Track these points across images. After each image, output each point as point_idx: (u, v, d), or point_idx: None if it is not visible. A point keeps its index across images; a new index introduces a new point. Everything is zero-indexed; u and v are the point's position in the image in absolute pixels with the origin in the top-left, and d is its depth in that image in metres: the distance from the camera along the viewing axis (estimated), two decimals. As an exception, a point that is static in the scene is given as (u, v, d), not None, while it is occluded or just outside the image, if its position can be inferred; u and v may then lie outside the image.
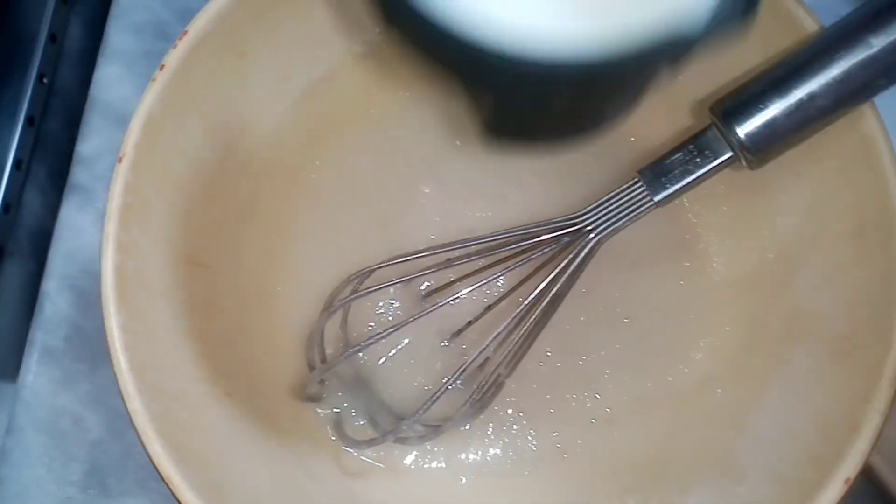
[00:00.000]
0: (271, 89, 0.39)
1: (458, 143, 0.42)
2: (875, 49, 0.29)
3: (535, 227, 0.35)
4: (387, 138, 0.42)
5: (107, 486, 0.41)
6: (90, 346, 0.42)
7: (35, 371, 0.42)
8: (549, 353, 0.38)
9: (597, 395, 0.38)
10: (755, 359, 0.36)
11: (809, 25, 0.32)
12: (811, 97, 0.30)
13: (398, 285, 0.39)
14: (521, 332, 0.35)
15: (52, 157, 0.47)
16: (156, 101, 0.33)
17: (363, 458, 0.37)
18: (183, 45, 0.33)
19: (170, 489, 0.28)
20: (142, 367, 0.30)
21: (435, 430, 0.37)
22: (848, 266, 0.33)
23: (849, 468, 0.28)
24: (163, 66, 0.33)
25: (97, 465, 0.41)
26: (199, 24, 0.34)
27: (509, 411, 0.38)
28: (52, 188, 0.47)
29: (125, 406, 0.29)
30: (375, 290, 0.35)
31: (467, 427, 0.38)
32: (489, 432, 0.38)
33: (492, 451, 0.38)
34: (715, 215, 0.40)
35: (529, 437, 0.38)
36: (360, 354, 0.33)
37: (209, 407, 0.33)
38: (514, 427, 0.38)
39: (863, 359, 0.31)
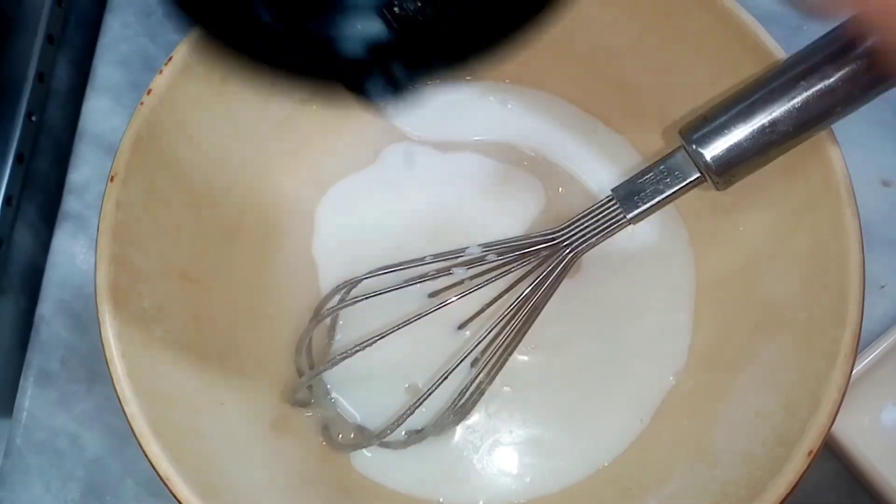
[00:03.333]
0: (255, 112, 0.40)
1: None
2: (832, 80, 0.31)
3: (516, 241, 0.36)
4: (370, 155, 0.44)
5: (105, 503, 0.42)
6: (85, 367, 0.44)
7: (31, 394, 0.43)
8: (530, 353, 0.40)
9: (577, 391, 0.40)
10: (727, 353, 0.38)
11: (777, 54, 0.34)
12: (773, 123, 0.32)
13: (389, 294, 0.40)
14: (502, 341, 0.36)
15: (41, 194, 0.49)
16: (144, 123, 0.35)
17: (352, 460, 0.39)
18: (168, 72, 0.35)
19: (168, 488, 0.30)
20: (138, 373, 0.32)
21: (418, 435, 0.38)
22: (806, 258, 0.35)
23: (811, 441, 0.30)
24: (150, 90, 0.35)
25: (95, 483, 0.42)
26: (182, 52, 0.36)
27: (491, 410, 0.40)
28: (42, 224, 0.49)
29: (123, 410, 0.31)
30: (361, 299, 0.36)
31: (451, 432, 0.39)
32: (467, 434, 0.39)
33: (472, 452, 0.39)
34: (689, 227, 0.42)
35: (510, 436, 0.39)
36: (347, 361, 0.35)
37: (203, 413, 0.35)
38: (497, 428, 0.39)
39: (822, 341, 0.32)
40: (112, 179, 0.34)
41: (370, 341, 0.35)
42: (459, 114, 0.44)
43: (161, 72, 0.35)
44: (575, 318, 0.41)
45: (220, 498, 0.31)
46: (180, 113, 0.36)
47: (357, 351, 0.35)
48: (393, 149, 0.44)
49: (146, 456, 0.30)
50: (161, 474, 0.30)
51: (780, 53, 0.34)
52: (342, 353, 0.35)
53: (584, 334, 0.41)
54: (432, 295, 0.41)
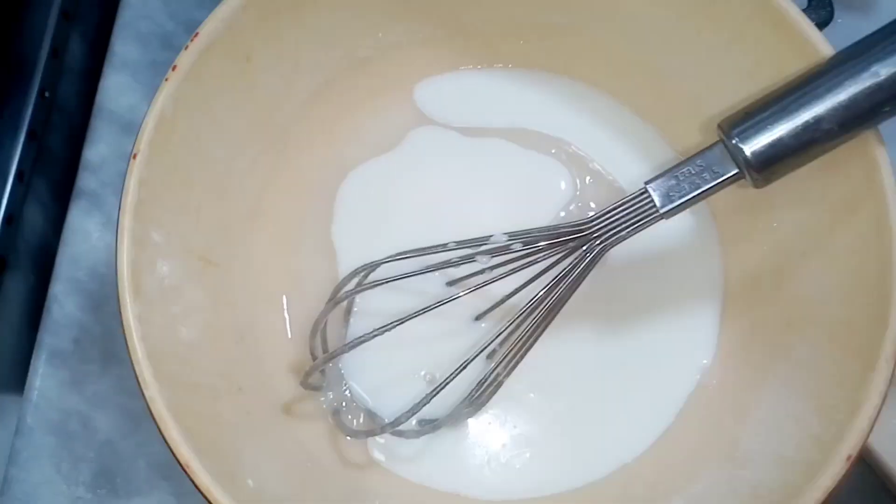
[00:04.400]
0: (277, 92, 0.39)
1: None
2: (881, 78, 0.30)
3: (543, 231, 0.35)
4: (393, 139, 0.43)
5: (116, 485, 0.41)
6: (98, 348, 0.43)
7: (43, 373, 0.42)
8: (551, 347, 0.39)
9: (600, 388, 0.39)
10: (757, 349, 0.37)
11: (823, 50, 0.33)
12: (817, 120, 0.30)
13: (407, 281, 0.39)
14: (523, 334, 0.35)
15: (53, 171, 0.48)
16: (168, 100, 0.34)
17: (367, 447, 0.38)
18: (193, 48, 0.34)
19: (188, 474, 0.29)
20: (158, 357, 0.31)
21: (432, 425, 0.37)
22: (843, 257, 0.34)
23: (850, 445, 0.29)
24: (175, 66, 0.34)
25: (106, 465, 0.41)
26: (207, 29, 0.35)
27: (509, 404, 0.39)
28: (52, 201, 0.48)
29: (142, 393, 0.30)
30: (378, 284, 0.35)
31: (466, 424, 0.39)
32: (486, 426, 0.39)
33: (492, 445, 0.38)
34: (719, 223, 0.41)
35: (528, 430, 0.39)
36: (362, 347, 0.34)
37: (221, 398, 0.34)
38: (516, 423, 0.39)
39: (860, 342, 0.31)
40: (134, 157, 0.33)
41: (386, 328, 0.33)
42: (487, 99, 0.43)
43: (186, 48, 0.34)
44: (599, 313, 0.40)
45: (239, 484, 0.30)
46: (204, 91, 0.35)
47: (372, 337, 0.33)
48: (418, 133, 0.43)
49: (166, 441, 0.29)
50: (181, 460, 0.29)
51: (826, 48, 0.33)
52: (357, 339, 0.34)
53: (607, 330, 0.40)
54: (451, 283, 0.40)
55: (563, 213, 0.41)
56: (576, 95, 0.43)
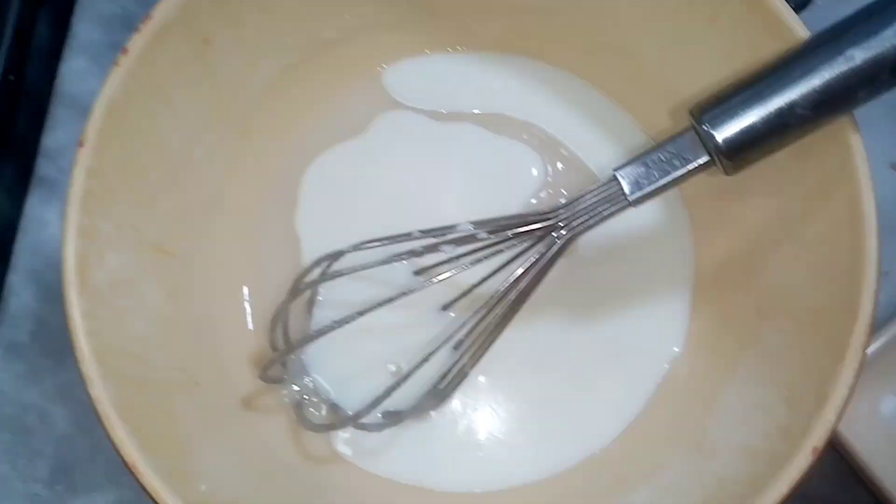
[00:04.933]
0: (238, 77, 0.38)
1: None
2: (856, 62, 0.29)
3: (509, 219, 0.34)
4: (360, 124, 0.42)
5: (75, 481, 0.40)
6: (56, 341, 0.42)
7: None
8: (518, 336, 0.38)
9: (567, 376, 0.38)
10: (727, 337, 0.37)
11: (799, 33, 0.32)
12: (790, 106, 0.29)
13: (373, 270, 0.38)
14: (489, 324, 0.34)
15: (18, 155, 0.46)
16: (119, 87, 0.33)
17: (331, 441, 0.37)
18: (146, 31, 0.33)
19: (134, 475, 0.28)
20: (105, 353, 0.30)
21: (396, 417, 0.36)
22: (815, 245, 0.33)
23: (817, 437, 0.28)
24: (126, 50, 0.33)
25: (64, 460, 0.40)
26: (162, 10, 0.33)
27: (475, 394, 0.38)
28: (18, 186, 0.46)
29: (88, 392, 0.29)
30: (342, 274, 0.34)
31: (430, 415, 0.38)
32: (451, 417, 0.38)
33: (458, 437, 0.38)
34: (691, 209, 0.40)
35: (495, 421, 0.38)
36: (326, 339, 0.33)
37: (176, 393, 0.33)
38: (482, 413, 0.38)
39: (830, 332, 0.31)
40: (82, 145, 0.31)
41: (348, 318, 0.32)
42: (457, 83, 0.42)
43: (138, 30, 0.33)
44: (566, 301, 0.39)
45: (190, 484, 0.30)
46: (158, 75, 0.34)
47: (332, 329, 0.33)
48: (385, 118, 0.42)
49: (111, 441, 0.28)
50: (127, 461, 0.28)
51: (802, 31, 0.32)
52: (317, 330, 0.33)
53: (575, 317, 0.39)
54: (418, 273, 0.39)
55: (534, 201, 0.40)
56: (549, 79, 0.42)
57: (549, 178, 0.41)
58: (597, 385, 0.38)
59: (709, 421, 0.34)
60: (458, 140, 0.42)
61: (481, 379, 0.38)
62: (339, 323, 0.32)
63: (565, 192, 0.40)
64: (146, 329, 0.33)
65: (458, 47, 0.43)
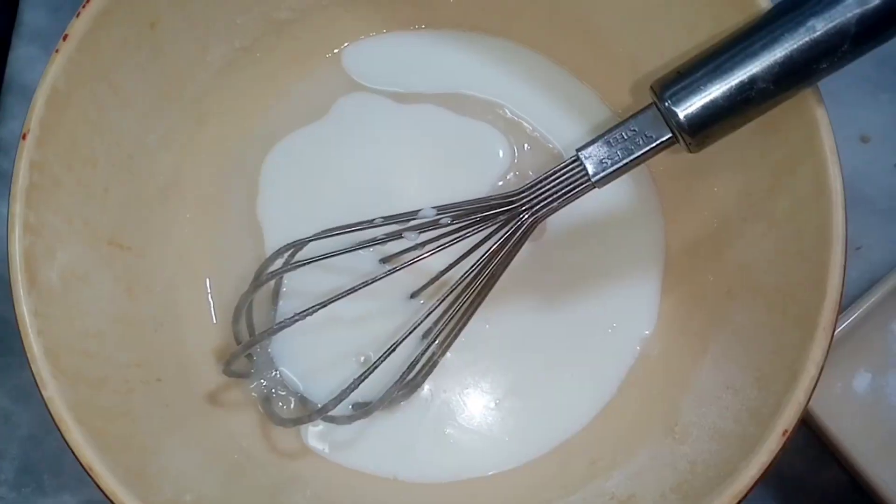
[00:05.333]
0: (188, 60, 0.37)
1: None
2: (818, 33, 0.28)
3: (472, 205, 0.33)
4: (320, 107, 0.41)
5: (42, 483, 0.39)
6: (17, 339, 0.40)
7: (-42, 367, 0.40)
8: (487, 326, 0.38)
9: (538, 361, 0.38)
10: (698, 318, 0.36)
11: (761, 4, 0.31)
12: (752, 80, 0.29)
13: (337, 259, 0.37)
14: (456, 311, 0.34)
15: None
16: (60, 74, 0.31)
17: (300, 435, 0.36)
18: (86, 15, 0.32)
19: (91, 477, 0.27)
20: (59, 352, 0.29)
21: (365, 409, 0.36)
22: (783, 221, 0.32)
23: (787, 420, 0.28)
24: (66, 35, 0.31)
25: (30, 462, 0.39)
26: (103, -9, 0.32)
27: (445, 383, 0.38)
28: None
29: (40, 394, 0.28)
30: (305, 263, 0.33)
31: (401, 405, 0.37)
32: (423, 407, 0.37)
33: (428, 426, 0.37)
34: (660, 188, 0.39)
35: (466, 409, 0.37)
36: (292, 330, 0.32)
37: (135, 392, 0.32)
38: (452, 402, 0.37)
39: (798, 311, 0.30)
40: (24, 137, 0.30)
41: (313, 308, 0.32)
42: (419, 63, 0.41)
43: (78, 15, 0.32)
44: (536, 284, 0.38)
45: (151, 486, 0.29)
46: (103, 61, 0.33)
47: (298, 319, 0.32)
48: (346, 100, 0.41)
49: (67, 444, 0.27)
50: (83, 464, 0.27)
51: (765, 2, 0.31)
52: (281, 322, 0.32)
53: (545, 301, 0.38)
54: (384, 260, 0.38)
55: (500, 183, 0.39)
56: (512, 57, 0.41)
57: (516, 160, 0.40)
58: (568, 369, 0.38)
59: (681, 403, 0.34)
60: (422, 122, 0.41)
61: (452, 366, 0.37)
62: (302, 315, 0.32)
63: (531, 174, 0.39)
64: (103, 326, 0.32)
65: (419, 25, 0.42)
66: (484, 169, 0.40)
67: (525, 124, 0.40)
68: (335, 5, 0.40)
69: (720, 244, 0.36)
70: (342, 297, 0.32)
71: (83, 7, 0.32)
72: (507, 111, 0.40)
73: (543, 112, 0.40)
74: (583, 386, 0.37)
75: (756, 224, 0.34)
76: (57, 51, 0.31)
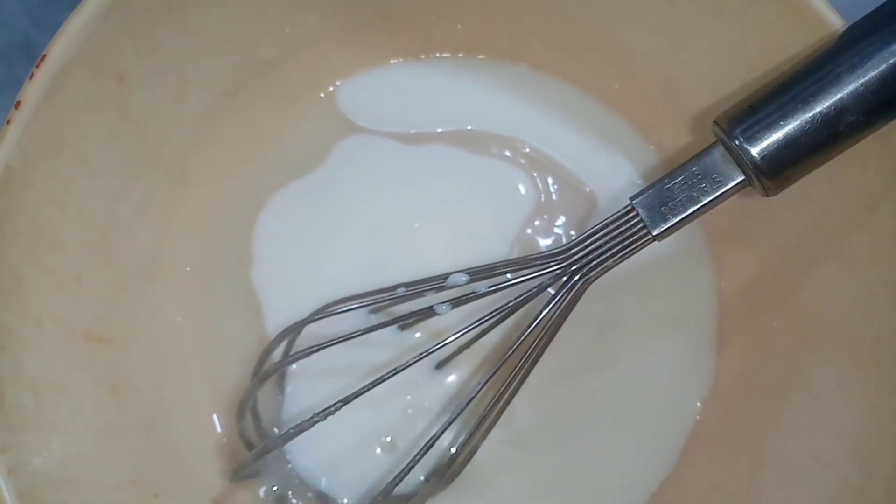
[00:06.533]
0: (164, 114, 0.32)
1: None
2: None
3: (510, 267, 0.29)
4: (316, 155, 0.36)
5: None
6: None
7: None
8: (525, 390, 0.33)
9: (585, 433, 0.33)
10: (765, 372, 0.32)
11: (830, 22, 0.27)
12: (839, 111, 0.25)
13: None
14: (497, 397, 0.29)
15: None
16: (15, 149, 0.26)
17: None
18: (41, 77, 0.27)
19: None
20: (36, 491, 0.24)
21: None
22: (864, 264, 0.28)
23: (905, 507, 0.24)
24: (18, 102, 0.26)
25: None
26: (60, 46, 0.27)
27: (486, 464, 0.33)
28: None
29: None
30: (314, 351, 0.29)
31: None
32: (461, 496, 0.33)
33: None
34: (707, 224, 0.35)
35: (505, 494, 0.33)
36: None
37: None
38: (493, 483, 0.33)
39: (894, 368, 0.26)
40: (-25, 230, 0.25)
41: (335, 406, 0.28)
42: (424, 97, 0.36)
43: (31, 77, 0.27)
44: (576, 343, 0.34)
45: None
46: (64, 128, 0.28)
47: (318, 421, 0.28)
48: (344, 145, 0.36)
49: None
50: None
51: (835, 21, 0.27)
52: (298, 425, 0.28)
53: (588, 362, 0.34)
54: (403, 326, 0.33)
55: (529, 230, 0.35)
56: (527, 84, 0.37)
57: (542, 200, 0.35)
58: (620, 442, 0.33)
59: (759, 476, 0.30)
60: (432, 164, 0.36)
61: (486, 445, 0.33)
62: (322, 415, 0.28)
63: (563, 218, 0.35)
64: (86, 443, 0.28)
65: (419, 54, 0.37)
66: (509, 214, 0.35)
67: (549, 160, 0.36)
68: (326, 38, 0.35)
69: (784, 286, 0.32)
70: (362, 393, 0.28)
71: (37, 66, 0.27)
72: (527, 146, 0.36)
73: (568, 145, 0.36)
74: (638, 459, 0.33)
75: (827, 265, 0.30)
76: (9, 122, 0.26)
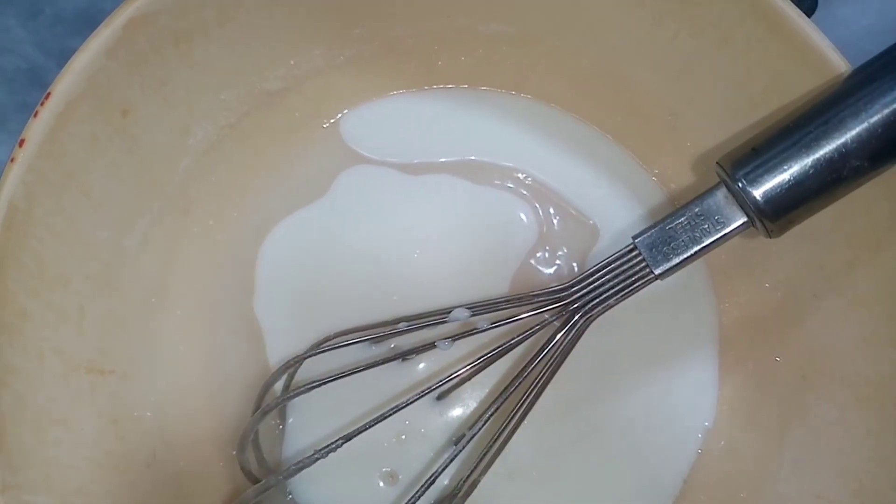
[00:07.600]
0: (169, 147, 0.32)
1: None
2: None
3: (513, 303, 0.29)
4: (319, 185, 0.36)
5: None
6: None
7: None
8: (530, 429, 0.33)
9: (585, 466, 0.33)
10: (767, 406, 0.32)
11: (835, 65, 0.27)
12: (843, 156, 0.25)
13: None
14: (499, 432, 0.29)
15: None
16: (19, 186, 0.26)
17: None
18: (46, 114, 0.27)
19: None
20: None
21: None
22: (869, 301, 0.28)
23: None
24: (22, 140, 0.26)
25: None
26: (63, 86, 0.27)
27: (487, 498, 0.33)
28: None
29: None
30: (316, 386, 0.29)
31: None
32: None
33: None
34: (707, 257, 0.35)
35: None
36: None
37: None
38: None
39: (897, 407, 0.26)
40: (-22, 267, 0.25)
41: (336, 443, 0.28)
42: (427, 128, 0.37)
43: (36, 114, 0.27)
44: (577, 374, 0.33)
45: None
46: (69, 163, 0.28)
47: (319, 458, 0.28)
48: (348, 175, 0.36)
49: None
50: None
51: (840, 64, 0.27)
52: (300, 462, 0.28)
53: (588, 393, 0.34)
54: (405, 359, 0.33)
55: (532, 261, 0.35)
56: (531, 116, 0.37)
57: (545, 230, 0.35)
58: (620, 474, 0.33)
59: (761, 510, 0.30)
60: (435, 195, 0.36)
61: (486, 480, 0.33)
62: (324, 451, 0.28)
63: (566, 249, 0.35)
64: (87, 478, 0.28)
65: (424, 86, 0.37)
66: (511, 244, 0.35)
67: (551, 191, 0.36)
68: (330, 69, 0.35)
69: (786, 321, 0.32)
70: (371, 426, 0.27)
71: (41, 104, 0.27)
72: (529, 177, 0.36)
73: (571, 176, 0.36)
74: (637, 490, 0.33)
75: (831, 302, 0.30)
76: (13, 160, 0.26)
